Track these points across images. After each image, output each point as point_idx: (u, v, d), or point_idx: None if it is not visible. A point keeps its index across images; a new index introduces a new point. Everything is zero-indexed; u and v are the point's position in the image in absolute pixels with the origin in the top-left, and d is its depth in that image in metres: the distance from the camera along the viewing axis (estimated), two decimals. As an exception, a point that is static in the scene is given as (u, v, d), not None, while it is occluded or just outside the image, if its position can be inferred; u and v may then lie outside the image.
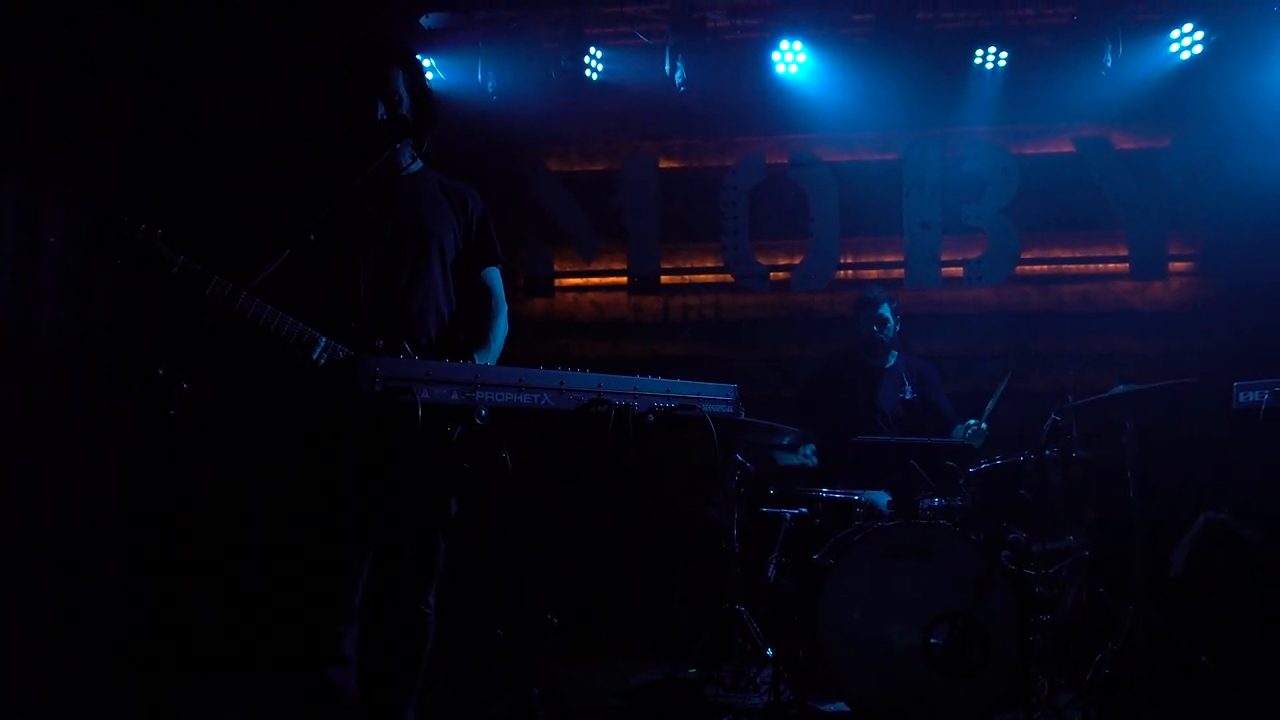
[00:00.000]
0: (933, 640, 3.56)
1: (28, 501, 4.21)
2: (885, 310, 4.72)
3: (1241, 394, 3.16)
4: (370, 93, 2.75)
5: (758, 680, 4.02)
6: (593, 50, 5.41)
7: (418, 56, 2.99)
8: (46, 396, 4.36)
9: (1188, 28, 5.10)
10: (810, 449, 4.45)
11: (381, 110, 2.74)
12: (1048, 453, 3.85)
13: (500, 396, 2.27)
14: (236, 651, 4.30)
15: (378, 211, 2.77)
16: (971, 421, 4.41)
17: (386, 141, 2.70)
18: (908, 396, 4.67)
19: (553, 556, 2.58)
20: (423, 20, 5.40)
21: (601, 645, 4.86)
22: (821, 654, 3.63)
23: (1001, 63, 5.32)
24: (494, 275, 3.02)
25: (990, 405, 4.40)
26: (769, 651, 3.95)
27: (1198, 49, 5.14)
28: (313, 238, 2.41)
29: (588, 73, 5.43)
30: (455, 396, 2.23)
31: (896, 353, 4.86)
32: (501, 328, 2.95)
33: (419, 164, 2.92)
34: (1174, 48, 5.17)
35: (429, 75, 5.36)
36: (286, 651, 2.71)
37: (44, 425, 4.33)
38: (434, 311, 2.80)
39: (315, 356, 2.55)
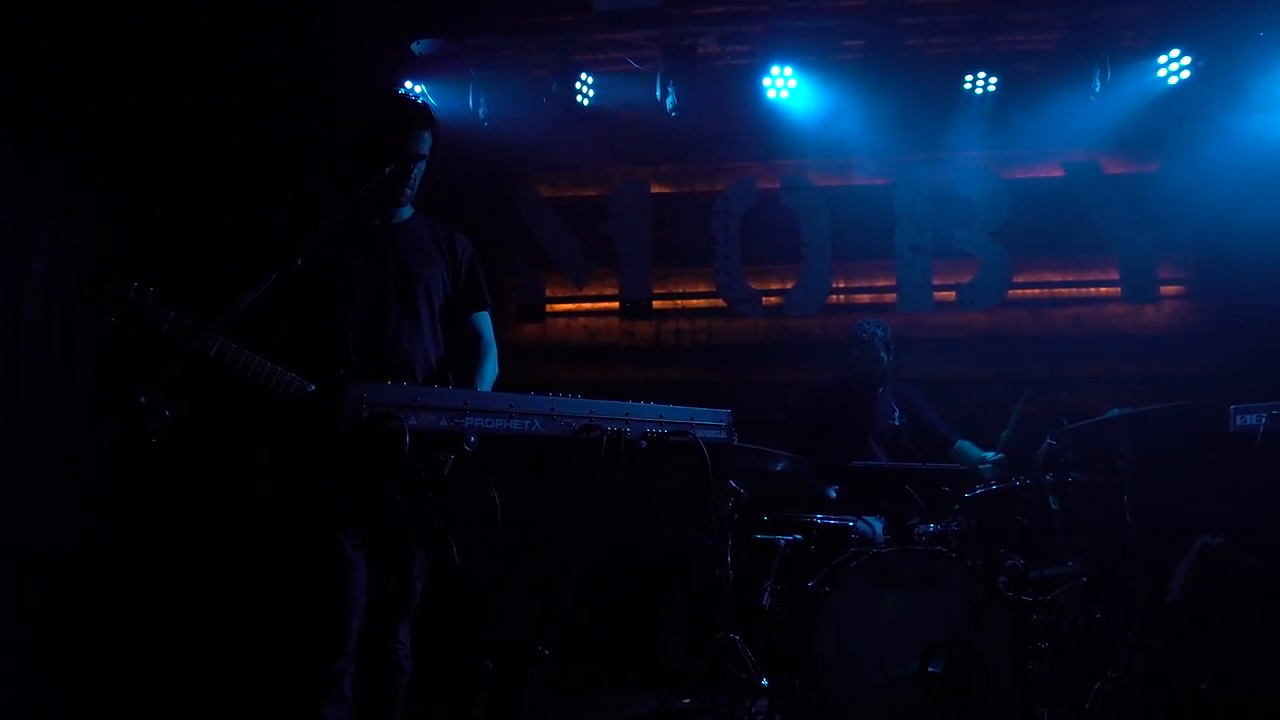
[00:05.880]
0: (930, 669, 3.51)
1: (11, 532, 4.13)
2: (881, 352, 4.67)
3: (1239, 417, 3.15)
4: (419, 137, 2.83)
5: (753, 711, 3.95)
6: (584, 76, 5.42)
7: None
8: (32, 425, 4.30)
9: (1174, 53, 5.13)
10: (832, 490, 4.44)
11: (389, 168, 2.75)
12: (1044, 477, 3.83)
13: (490, 423, 2.24)
14: (231, 686, 4.21)
15: (366, 260, 2.80)
16: (988, 454, 4.38)
17: (396, 191, 2.78)
18: (896, 422, 4.65)
19: (542, 585, 2.54)
20: (414, 46, 5.41)
21: (592, 676, 4.79)
22: (817, 683, 3.58)
23: (991, 88, 5.35)
24: (483, 320, 3.04)
25: (1005, 434, 4.36)
26: (764, 681, 3.88)
27: (1184, 74, 5.17)
28: (300, 263, 2.38)
29: (579, 99, 5.43)
30: (444, 423, 2.20)
31: (885, 382, 4.83)
32: (491, 371, 2.96)
33: (409, 210, 2.96)
34: (1161, 73, 5.20)
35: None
36: (281, 686, 2.65)
37: (29, 454, 4.27)
38: (421, 358, 2.82)
39: None
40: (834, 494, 4.46)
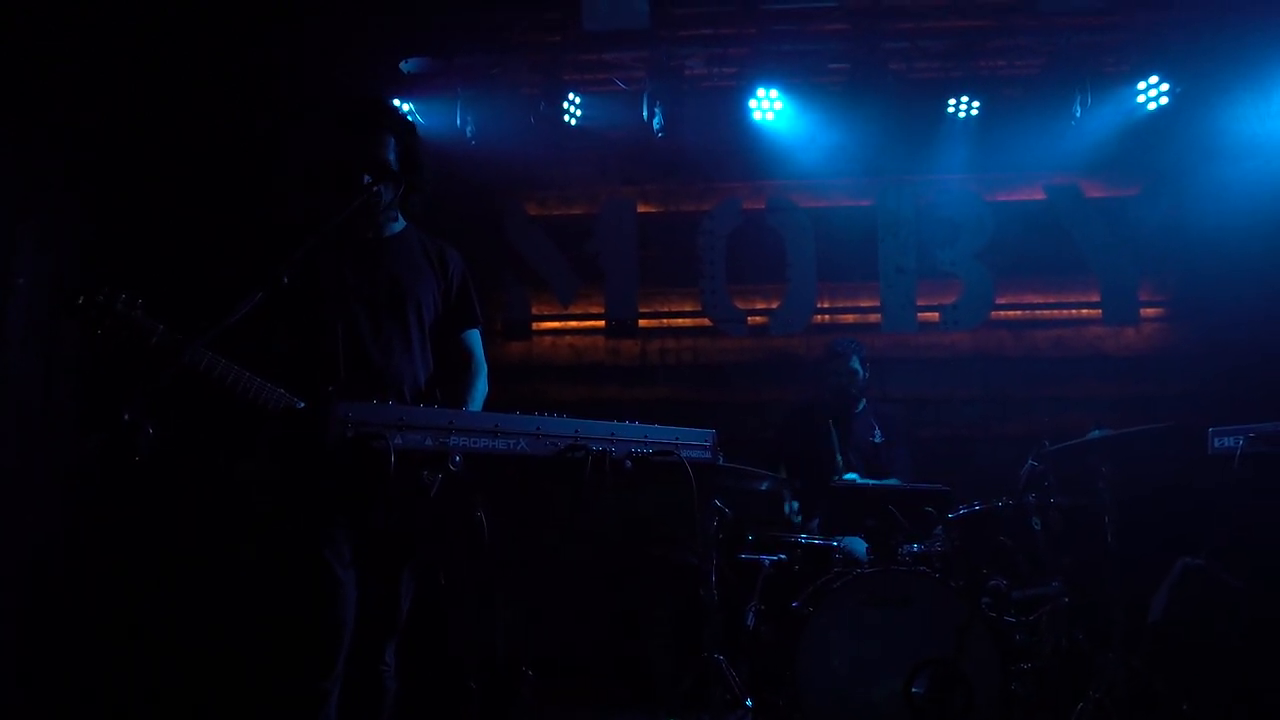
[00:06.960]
0: (914, 689, 3.51)
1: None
2: (855, 363, 4.72)
3: (1217, 439, 3.18)
4: (358, 161, 2.73)
5: (737, 731, 3.95)
6: (571, 96, 5.45)
7: (409, 117, 3.00)
8: (17, 435, 4.25)
9: (1153, 79, 5.22)
10: (795, 505, 4.44)
11: (367, 178, 2.71)
12: (1027, 498, 3.85)
13: (475, 442, 2.24)
14: (217, 704, 4.17)
15: (356, 274, 2.77)
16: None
17: (372, 206, 2.72)
18: (877, 440, 4.67)
19: (527, 605, 2.53)
20: (402, 65, 5.42)
21: (577, 695, 4.76)
22: (801, 703, 3.57)
23: (974, 112, 5.41)
24: (474, 337, 3.01)
25: None
26: (748, 701, 3.88)
27: (1163, 100, 5.25)
28: (286, 280, 2.38)
29: (566, 118, 5.46)
30: (429, 442, 2.19)
31: (865, 400, 4.86)
32: (481, 390, 2.92)
33: (401, 223, 2.93)
34: (1140, 98, 5.28)
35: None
36: (267, 705, 2.62)
37: (18, 462, 4.22)
38: (410, 375, 2.79)
39: None
40: (788, 510, 4.46)
